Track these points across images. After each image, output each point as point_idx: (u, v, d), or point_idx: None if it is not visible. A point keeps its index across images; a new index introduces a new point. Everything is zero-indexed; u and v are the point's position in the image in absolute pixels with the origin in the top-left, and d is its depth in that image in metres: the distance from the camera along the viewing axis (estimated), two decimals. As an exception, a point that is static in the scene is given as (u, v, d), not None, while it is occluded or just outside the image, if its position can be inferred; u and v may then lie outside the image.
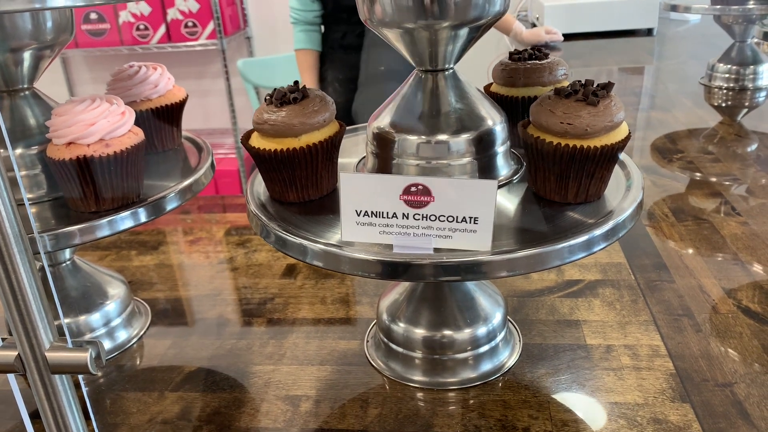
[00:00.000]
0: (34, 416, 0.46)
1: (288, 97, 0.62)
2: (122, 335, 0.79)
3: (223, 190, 2.93)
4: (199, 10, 3.06)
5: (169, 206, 0.69)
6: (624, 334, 0.73)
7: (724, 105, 1.57)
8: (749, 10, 1.58)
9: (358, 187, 0.53)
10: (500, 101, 0.72)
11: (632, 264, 0.88)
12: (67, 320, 0.74)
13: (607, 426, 0.61)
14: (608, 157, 0.58)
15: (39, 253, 0.61)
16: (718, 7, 1.62)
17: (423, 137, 0.61)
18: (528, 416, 0.63)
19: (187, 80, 3.36)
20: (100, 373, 0.73)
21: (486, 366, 0.69)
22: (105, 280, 0.80)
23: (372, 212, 0.54)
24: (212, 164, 0.78)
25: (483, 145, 0.62)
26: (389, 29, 0.60)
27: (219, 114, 3.44)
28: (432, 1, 0.56)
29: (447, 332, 0.67)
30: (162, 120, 0.81)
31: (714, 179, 1.12)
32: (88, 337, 0.75)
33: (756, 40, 1.69)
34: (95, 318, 0.76)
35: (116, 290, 0.79)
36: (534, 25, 2.47)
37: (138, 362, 0.76)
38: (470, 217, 0.52)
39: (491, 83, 0.77)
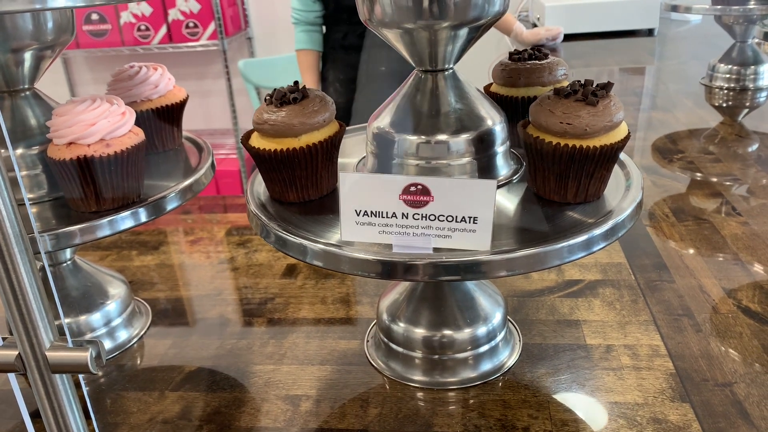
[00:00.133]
0: (35, 416, 0.46)
1: (288, 97, 0.62)
2: (123, 335, 0.79)
3: (224, 190, 2.93)
4: (200, 11, 3.07)
5: (170, 206, 0.70)
6: (624, 334, 0.74)
7: (724, 105, 1.57)
8: (750, 11, 1.58)
9: (358, 187, 0.54)
10: (500, 101, 0.73)
11: (632, 264, 0.88)
12: (67, 320, 0.74)
13: (607, 426, 0.61)
14: (608, 157, 0.58)
15: (39, 252, 0.61)
16: (719, 7, 1.62)
17: (423, 137, 0.61)
18: (528, 416, 0.63)
19: (188, 81, 3.36)
20: (100, 373, 0.73)
21: (486, 366, 0.69)
22: (106, 279, 0.80)
23: (372, 212, 0.54)
24: (212, 164, 0.78)
25: (483, 145, 0.62)
26: (389, 29, 0.60)
27: (220, 114, 3.44)
28: (431, 2, 0.56)
29: (447, 332, 0.67)
30: (162, 120, 0.81)
31: (715, 179, 1.12)
32: (88, 336, 0.75)
33: (757, 40, 1.69)
34: (96, 318, 0.76)
35: (117, 290, 0.79)
36: (535, 26, 2.47)
37: (138, 362, 0.76)
38: (469, 217, 0.52)
39: (491, 83, 0.77)
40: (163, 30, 3.11)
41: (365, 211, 0.54)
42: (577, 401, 0.65)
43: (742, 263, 0.86)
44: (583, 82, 0.60)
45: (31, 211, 0.68)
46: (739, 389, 0.64)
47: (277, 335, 0.79)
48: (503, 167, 0.65)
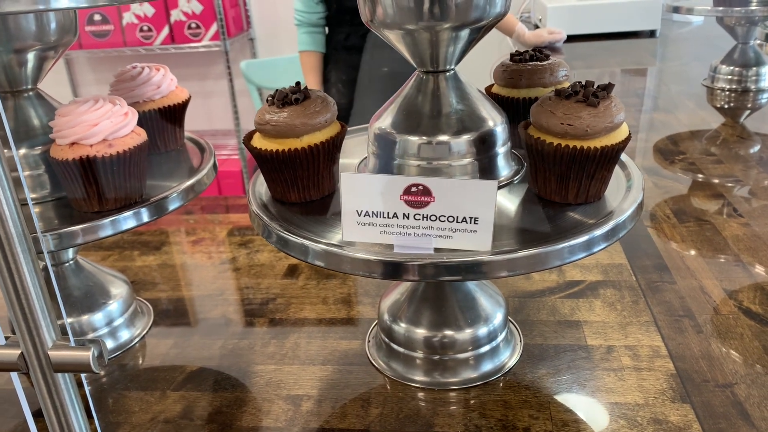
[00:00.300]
0: (37, 415, 0.46)
1: (290, 97, 0.62)
2: (125, 335, 0.79)
3: (225, 191, 2.94)
4: (202, 12, 3.07)
5: (172, 206, 0.70)
6: (625, 335, 0.74)
7: (726, 107, 1.57)
8: (752, 12, 1.58)
9: (359, 187, 0.54)
10: (501, 102, 0.73)
11: (633, 265, 0.88)
12: (69, 320, 0.75)
13: (607, 426, 0.61)
14: (609, 157, 0.58)
15: (42, 252, 0.61)
16: (721, 8, 1.62)
17: (424, 138, 0.61)
18: (528, 416, 0.63)
19: (190, 81, 3.37)
20: (102, 372, 0.74)
21: (487, 366, 0.69)
22: (108, 279, 0.80)
23: (373, 212, 0.54)
24: (214, 165, 0.78)
25: (484, 145, 0.62)
26: (390, 30, 0.60)
27: (222, 115, 3.44)
28: (433, 3, 0.56)
29: (448, 332, 0.67)
30: (165, 120, 0.81)
31: (716, 181, 1.13)
32: (90, 336, 0.75)
33: (759, 41, 1.69)
34: (98, 317, 0.76)
35: (119, 290, 0.80)
36: (537, 27, 2.48)
37: (140, 362, 0.76)
38: (470, 218, 0.53)
39: (492, 84, 0.77)
40: (166, 31, 3.12)
41: (366, 212, 0.54)
42: (578, 402, 0.65)
43: (744, 264, 0.86)
44: (584, 83, 0.60)
45: (34, 210, 0.69)
46: (739, 390, 0.64)
47: (278, 335, 0.79)
48: (504, 168, 0.65)
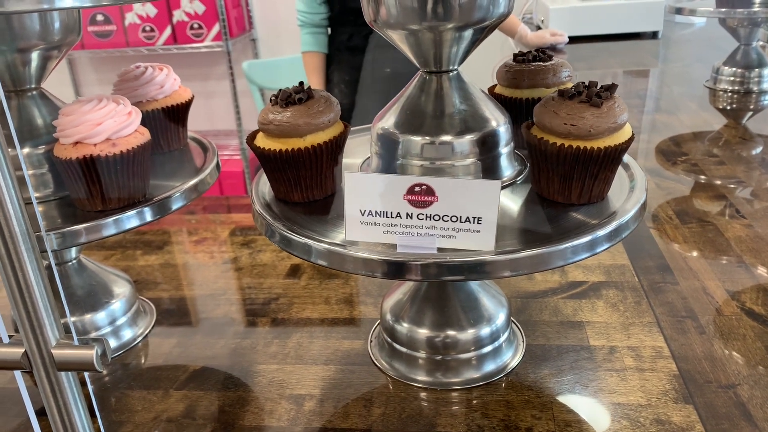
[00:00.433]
0: (41, 413, 0.46)
1: (293, 97, 0.62)
2: (127, 334, 0.79)
3: (227, 191, 2.94)
4: (204, 12, 3.07)
5: (175, 206, 0.70)
6: (627, 336, 0.74)
7: (729, 108, 1.57)
8: (755, 13, 1.58)
9: (363, 187, 0.54)
10: (504, 102, 0.73)
11: (636, 266, 0.88)
12: (73, 319, 0.75)
13: (610, 427, 0.61)
14: (612, 158, 0.58)
15: (46, 251, 0.61)
16: (724, 10, 1.62)
17: (427, 138, 0.61)
18: (531, 417, 0.63)
19: (192, 82, 3.37)
20: (105, 371, 0.74)
21: (489, 366, 0.69)
22: (110, 279, 0.80)
23: (376, 212, 0.54)
24: (218, 164, 0.78)
25: (487, 146, 0.62)
26: (394, 31, 0.60)
27: (224, 116, 3.45)
28: (436, 3, 0.56)
29: (450, 332, 0.67)
30: (168, 120, 0.81)
31: (718, 182, 1.12)
32: (93, 335, 0.75)
33: (761, 43, 1.69)
34: (101, 317, 0.76)
35: (122, 289, 0.80)
36: (539, 28, 2.48)
37: (143, 361, 0.76)
38: (474, 217, 0.53)
39: (495, 85, 0.78)
40: (168, 31, 3.12)
41: (370, 211, 0.54)
42: (581, 402, 0.65)
43: (746, 266, 0.86)
44: (587, 83, 0.60)
45: (38, 209, 0.69)
46: (742, 391, 0.64)
47: (281, 335, 0.79)
48: (507, 168, 0.65)
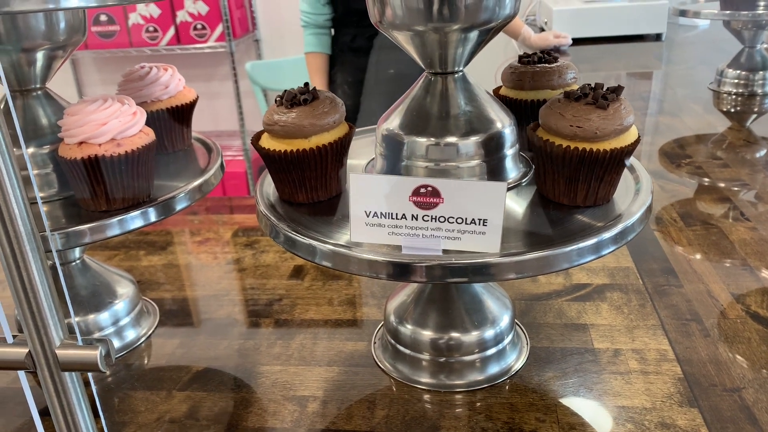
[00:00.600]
0: (44, 413, 0.46)
1: (298, 98, 0.62)
2: (131, 334, 0.79)
3: (230, 191, 2.94)
4: (208, 13, 3.08)
5: (179, 206, 0.70)
6: (632, 338, 0.73)
7: (733, 110, 1.57)
8: (759, 16, 1.57)
9: (368, 188, 0.54)
10: (509, 104, 0.73)
11: (640, 268, 0.88)
12: (76, 319, 0.75)
13: (614, 430, 0.61)
14: (617, 160, 0.58)
15: (51, 251, 0.61)
16: (728, 12, 1.62)
17: (432, 139, 0.61)
18: (535, 419, 0.63)
19: (195, 82, 3.37)
20: (109, 371, 0.74)
21: (493, 369, 0.69)
22: (114, 279, 0.80)
23: (381, 213, 0.54)
24: (222, 165, 0.78)
25: (492, 147, 0.62)
26: (399, 32, 0.60)
27: (227, 116, 3.45)
28: (442, 4, 0.56)
29: (454, 334, 0.67)
30: (172, 120, 0.81)
31: (722, 184, 1.12)
32: (96, 335, 0.75)
33: (765, 45, 1.68)
34: (104, 317, 0.76)
35: (125, 289, 0.80)
36: (542, 30, 2.47)
37: (146, 361, 0.76)
38: (479, 219, 0.52)
39: (500, 86, 0.77)
40: (171, 31, 3.13)
41: (375, 213, 0.54)
42: (585, 405, 0.65)
43: (751, 269, 0.86)
44: (593, 85, 0.60)
45: (43, 209, 0.69)
46: (747, 395, 0.64)
47: (284, 336, 0.79)
48: (512, 170, 0.65)
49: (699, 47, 2.33)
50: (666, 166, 1.22)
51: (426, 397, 0.67)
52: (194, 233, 1.09)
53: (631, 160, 0.66)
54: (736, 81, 1.66)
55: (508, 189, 0.64)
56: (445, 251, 0.54)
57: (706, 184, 1.13)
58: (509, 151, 0.64)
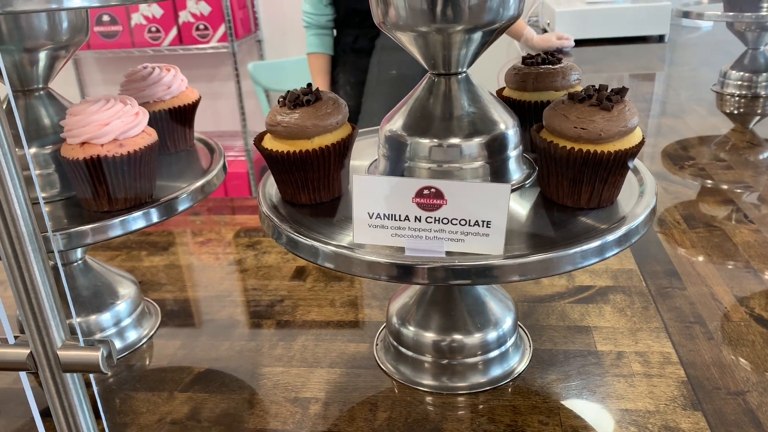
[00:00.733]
0: (45, 414, 0.46)
1: (301, 99, 0.62)
2: (132, 335, 0.79)
3: (232, 192, 2.94)
4: (210, 13, 3.08)
5: (181, 207, 0.70)
6: (635, 341, 0.73)
7: (736, 112, 1.56)
8: (762, 17, 1.57)
9: (371, 190, 0.53)
10: (513, 105, 0.72)
11: (643, 270, 0.87)
12: (78, 319, 0.74)
13: (617, 433, 0.61)
14: (622, 162, 0.58)
15: (52, 251, 0.61)
16: (731, 14, 1.61)
17: (435, 140, 0.61)
18: (538, 422, 0.62)
19: (197, 83, 3.37)
20: (110, 373, 0.73)
21: (496, 371, 0.68)
22: (116, 279, 0.80)
23: (384, 215, 0.54)
24: (224, 166, 0.78)
25: (495, 148, 0.62)
26: (403, 32, 0.60)
27: (229, 117, 3.45)
28: (446, 5, 0.56)
29: (457, 336, 0.67)
30: (175, 121, 0.81)
31: (726, 186, 1.12)
32: (98, 336, 0.75)
33: (769, 47, 1.68)
34: (106, 318, 0.76)
35: (127, 290, 0.80)
36: (545, 31, 2.47)
37: (148, 362, 0.76)
38: (483, 221, 0.52)
39: (503, 87, 0.77)
40: (174, 32, 3.13)
41: (378, 214, 0.54)
42: (588, 408, 0.64)
43: (755, 271, 0.85)
44: (597, 86, 0.59)
45: (45, 210, 0.69)
46: (751, 398, 0.64)
47: (286, 337, 0.78)
48: (516, 171, 0.65)
49: (702, 49, 2.32)
50: (669, 167, 1.22)
51: (428, 399, 0.66)
52: (196, 234, 1.09)
53: (635, 162, 0.66)
54: (740, 83, 1.65)
55: (512, 191, 0.63)
56: (448, 253, 0.54)
57: (709, 186, 1.13)
58: (513, 153, 0.64)
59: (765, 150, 1.29)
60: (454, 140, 0.61)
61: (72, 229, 0.63)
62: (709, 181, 1.15)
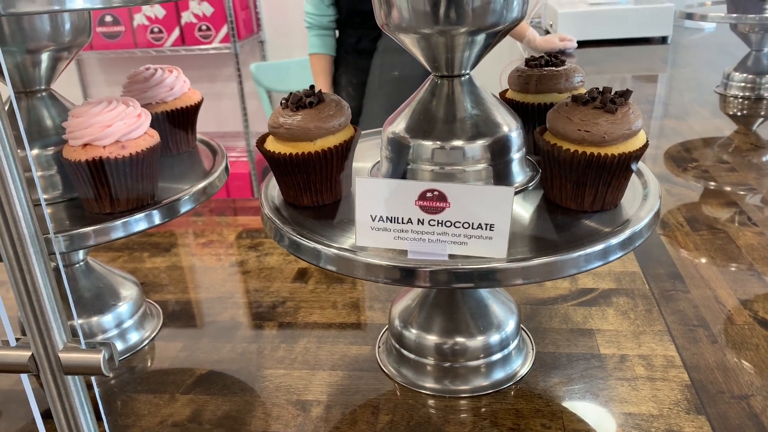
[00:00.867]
0: (46, 416, 0.46)
1: (304, 101, 0.62)
2: (134, 337, 0.79)
3: (234, 193, 2.94)
4: (213, 14, 3.08)
5: (184, 208, 0.69)
6: (638, 344, 0.73)
7: (739, 114, 1.56)
8: (766, 19, 1.56)
9: (374, 192, 0.53)
10: (516, 107, 0.72)
11: (647, 273, 0.87)
12: (79, 321, 0.74)
13: (620, 437, 0.61)
14: (625, 165, 0.57)
15: (54, 253, 0.61)
16: (735, 15, 1.61)
17: (438, 143, 0.61)
18: (541, 425, 0.62)
19: (200, 84, 3.37)
20: (112, 375, 0.73)
21: (498, 374, 0.68)
22: (117, 281, 0.80)
23: (387, 217, 0.54)
24: (226, 167, 0.78)
25: (499, 151, 0.62)
26: (406, 34, 0.60)
27: (231, 117, 3.45)
28: (449, 7, 0.56)
29: (459, 339, 0.67)
30: (177, 122, 0.81)
31: (729, 189, 1.11)
32: (100, 338, 0.75)
33: (772, 49, 1.67)
34: (107, 319, 0.76)
35: (128, 292, 0.79)
36: (548, 32, 2.47)
37: (149, 364, 0.76)
38: (486, 224, 0.52)
39: (506, 89, 0.77)
40: (176, 32, 3.13)
41: (381, 217, 0.54)
42: (591, 411, 0.64)
43: (758, 274, 0.85)
44: (601, 89, 0.59)
45: (47, 211, 0.68)
46: (755, 402, 0.63)
47: (288, 339, 0.78)
48: (519, 174, 0.65)
49: (705, 50, 2.32)
50: (672, 169, 1.22)
51: (430, 402, 0.66)
52: (198, 235, 1.09)
53: (639, 164, 0.66)
54: (743, 84, 1.65)
55: (515, 193, 0.63)
56: (451, 256, 0.54)
57: (713, 188, 1.13)
58: (516, 155, 0.64)
59: (768, 152, 1.29)
60: (457, 142, 0.61)
61: (74, 231, 0.63)
62: (713, 183, 1.14)
